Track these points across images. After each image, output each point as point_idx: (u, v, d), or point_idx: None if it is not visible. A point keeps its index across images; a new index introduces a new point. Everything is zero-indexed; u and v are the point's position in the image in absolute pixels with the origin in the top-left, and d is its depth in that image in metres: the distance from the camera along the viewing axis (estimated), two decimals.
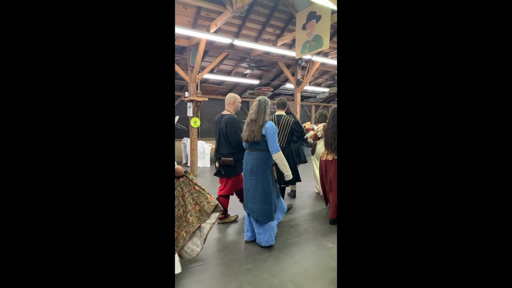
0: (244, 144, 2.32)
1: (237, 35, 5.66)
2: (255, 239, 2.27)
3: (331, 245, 2.25)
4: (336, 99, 10.82)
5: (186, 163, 6.79)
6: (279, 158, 2.16)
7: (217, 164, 2.66)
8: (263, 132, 2.15)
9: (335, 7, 2.04)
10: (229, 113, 2.64)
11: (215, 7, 4.61)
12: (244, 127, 2.27)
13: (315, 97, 10.10)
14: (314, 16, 4.58)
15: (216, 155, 2.68)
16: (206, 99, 5.96)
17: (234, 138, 2.51)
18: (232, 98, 2.68)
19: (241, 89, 8.32)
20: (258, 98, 2.27)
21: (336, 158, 2.64)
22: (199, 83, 5.81)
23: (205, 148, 6.80)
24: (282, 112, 3.14)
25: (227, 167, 2.59)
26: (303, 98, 9.45)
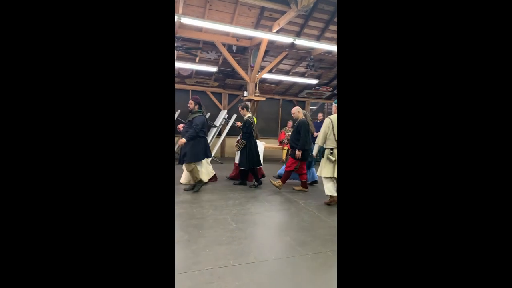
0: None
1: (298, 34, 5.58)
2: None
3: None
4: None
5: None
6: None
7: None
8: None
9: None
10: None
11: (279, 6, 4.62)
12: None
13: None
14: None
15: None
16: (264, 98, 6.03)
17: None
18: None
19: (298, 89, 8.20)
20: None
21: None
22: (257, 82, 5.91)
23: (260, 147, 6.90)
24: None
25: None
26: None
